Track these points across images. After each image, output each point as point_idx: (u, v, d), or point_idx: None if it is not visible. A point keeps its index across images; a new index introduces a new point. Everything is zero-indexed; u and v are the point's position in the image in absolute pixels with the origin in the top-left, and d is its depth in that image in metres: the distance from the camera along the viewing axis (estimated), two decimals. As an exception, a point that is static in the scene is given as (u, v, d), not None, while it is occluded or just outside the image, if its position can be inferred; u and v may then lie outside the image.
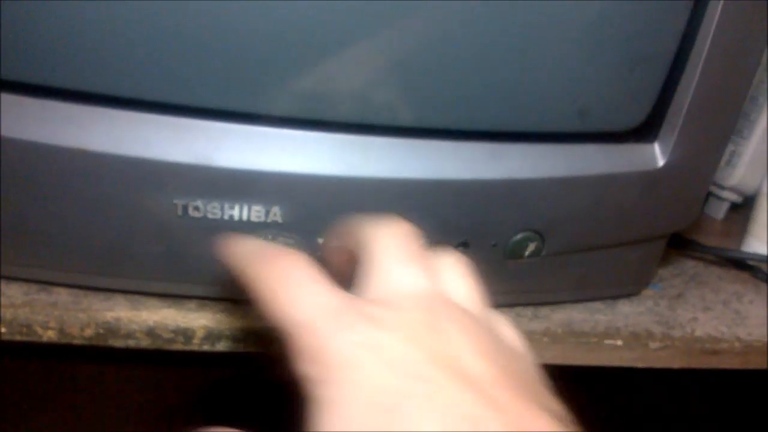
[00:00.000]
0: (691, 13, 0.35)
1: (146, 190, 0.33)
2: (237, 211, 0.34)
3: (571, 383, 0.28)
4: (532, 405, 0.22)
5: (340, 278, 0.26)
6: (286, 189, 0.34)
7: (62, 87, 0.32)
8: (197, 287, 0.37)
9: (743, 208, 0.60)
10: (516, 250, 0.38)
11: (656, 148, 0.39)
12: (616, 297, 0.44)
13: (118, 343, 0.36)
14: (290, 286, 0.24)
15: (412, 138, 0.35)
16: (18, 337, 0.35)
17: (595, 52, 0.35)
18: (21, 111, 0.32)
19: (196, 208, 0.34)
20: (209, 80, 0.32)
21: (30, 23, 0.30)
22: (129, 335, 0.36)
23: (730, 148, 0.59)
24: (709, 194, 0.63)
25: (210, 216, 0.34)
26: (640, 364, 0.40)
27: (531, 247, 0.38)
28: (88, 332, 0.36)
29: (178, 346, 0.36)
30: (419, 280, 0.26)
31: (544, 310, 0.42)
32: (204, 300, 0.37)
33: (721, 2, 0.35)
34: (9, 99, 0.32)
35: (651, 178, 0.39)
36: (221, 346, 0.36)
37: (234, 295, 0.35)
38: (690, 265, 0.51)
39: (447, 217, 0.37)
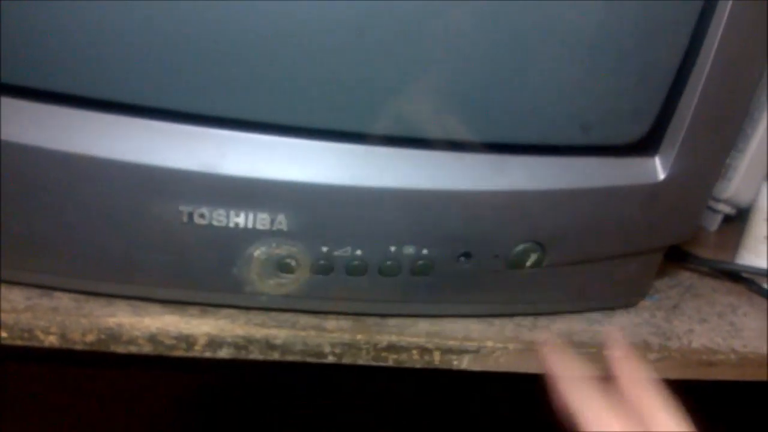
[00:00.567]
0: (694, 28, 0.36)
1: (152, 197, 0.33)
2: (242, 219, 0.34)
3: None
4: None
5: None
6: (291, 197, 0.34)
7: (68, 92, 0.32)
8: (200, 294, 0.37)
9: (736, 219, 0.61)
10: (518, 261, 0.39)
11: (657, 161, 0.39)
12: (614, 308, 0.45)
13: (120, 349, 0.36)
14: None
15: (417, 149, 0.35)
16: (19, 342, 0.35)
17: (598, 67, 0.35)
18: (23, 115, 0.32)
19: (202, 216, 0.34)
20: (216, 88, 0.32)
21: (36, 27, 0.30)
22: (131, 341, 0.36)
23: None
24: (704, 206, 0.63)
25: (215, 223, 0.34)
26: (638, 376, 0.41)
27: (532, 258, 0.39)
28: (90, 338, 0.35)
29: (179, 353, 0.36)
30: None
31: (544, 320, 0.42)
32: (207, 307, 0.37)
33: (725, 18, 0.35)
34: (12, 103, 0.32)
35: (651, 192, 0.39)
36: (223, 353, 0.36)
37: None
38: (685, 277, 0.52)
39: (450, 228, 0.37)
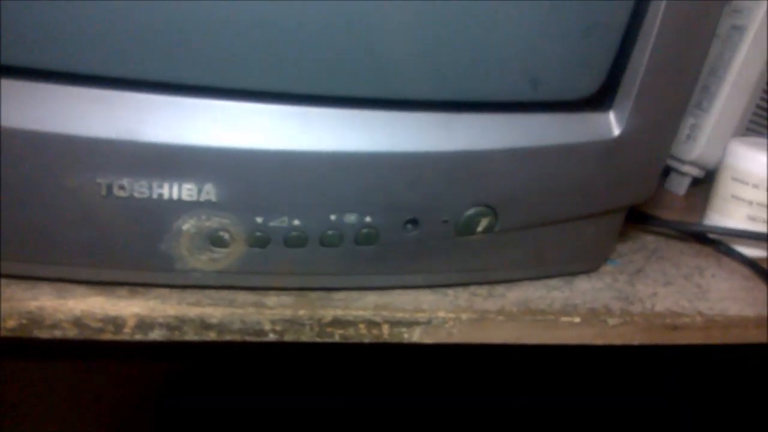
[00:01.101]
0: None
1: (66, 169, 0.31)
2: (166, 190, 0.32)
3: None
4: None
5: None
6: (219, 165, 0.32)
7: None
8: (129, 273, 0.35)
9: (705, 182, 0.59)
10: (468, 226, 0.37)
11: (611, 117, 0.37)
12: (574, 274, 0.43)
13: (44, 334, 0.33)
14: None
15: (355, 108, 0.33)
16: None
17: (545, 18, 0.33)
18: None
19: (122, 187, 0.31)
20: (130, 47, 0.30)
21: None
22: (54, 325, 0.33)
23: (690, 121, 0.58)
24: (671, 169, 0.62)
25: (137, 195, 0.32)
26: (599, 341, 0.39)
27: (484, 222, 0.37)
28: (11, 323, 0.33)
29: (108, 336, 0.34)
30: None
31: (500, 289, 0.40)
32: (137, 287, 0.35)
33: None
34: None
35: (607, 148, 0.37)
36: (155, 335, 0.34)
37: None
38: (650, 240, 0.50)
39: (395, 193, 0.35)
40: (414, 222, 0.36)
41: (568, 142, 0.36)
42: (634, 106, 0.37)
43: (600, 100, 0.37)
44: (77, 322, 0.33)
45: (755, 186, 0.48)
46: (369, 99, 0.33)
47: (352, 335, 0.36)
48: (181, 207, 0.32)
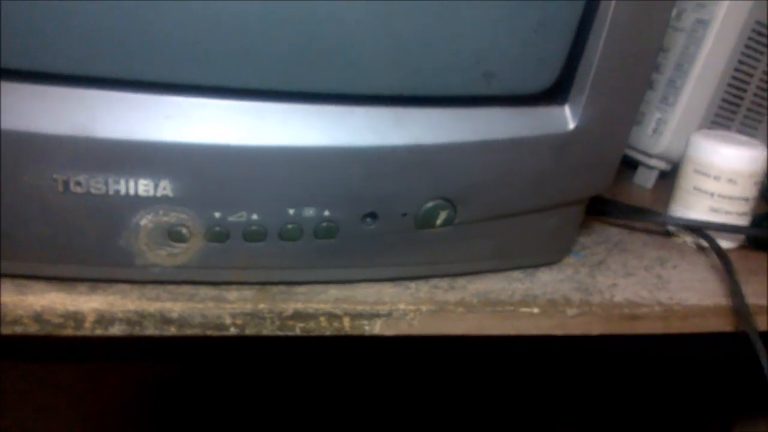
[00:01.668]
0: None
1: (22, 166, 0.31)
2: (123, 186, 0.32)
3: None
4: None
5: None
6: (174, 160, 0.32)
7: None
8: (89, 269, 0.35)
9: (673, 176, 0.60)
10: (427, 220, 0.37)
11: (567, 110, 0.38)
12: (536, 266, 0.44)
13: (6, 330, 0.34)
14: None
15: (310, 104, 0.34)
16: None
17: (497, 12, 0.34)
18: None
19: (78, 184, 0.32)
20: (81, 44, 0.30)
21: None
22: (15, 321, 0.33)
23: (656, 115, 0.59)
24: (638, 163, 0.62)
25: (94, 191, 0.32)
26: (557, 332, 0.40)
27: (442, 215, 0.37)
28: (-29, 321, 0.33)
29: (68, 332, 0.34)
30: None
31: (462, 281, 0.41)
32: (97, 283, 0.35)
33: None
34: None
35: (562, 141, 0.38)
36: (115, 330, 0.34)
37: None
38: (615, 233, 0.51)
39: (352, 187, 0.35)
40: (373, 215, 0.36)
41: (524, 135, 0.37)
42: (589, 100, 0.37)
43: (555, 94, 0.37)
44: (38, 318, 0.33)
45: (716, 178, 0.49)
46: (322, 94, 0.34)
47: (313, 328, 0.36)
48: (138, 203, 0.33)
